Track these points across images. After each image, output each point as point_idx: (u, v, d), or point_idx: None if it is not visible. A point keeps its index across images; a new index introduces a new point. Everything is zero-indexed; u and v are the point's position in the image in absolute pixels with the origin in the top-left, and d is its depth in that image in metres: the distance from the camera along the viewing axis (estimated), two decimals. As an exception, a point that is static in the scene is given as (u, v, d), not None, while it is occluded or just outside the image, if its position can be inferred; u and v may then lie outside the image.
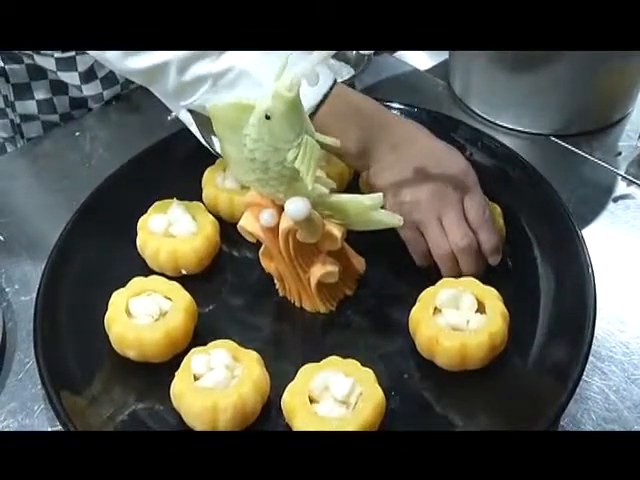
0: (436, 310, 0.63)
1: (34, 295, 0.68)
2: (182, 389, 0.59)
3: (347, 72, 0.96)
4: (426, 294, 0.64)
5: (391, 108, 0.84)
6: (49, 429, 0.63)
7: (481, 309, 0.62)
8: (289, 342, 0.68)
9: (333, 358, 0.61)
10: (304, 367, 0.60)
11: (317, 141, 0.56)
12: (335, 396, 0.57)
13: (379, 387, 0.58)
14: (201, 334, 0.66)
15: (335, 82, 0.68)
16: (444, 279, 0.66)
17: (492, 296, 0.63)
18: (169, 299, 0.65)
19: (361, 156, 0.68)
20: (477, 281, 0.64)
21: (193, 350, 0.62)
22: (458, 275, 0.67)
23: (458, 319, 0.61)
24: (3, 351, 0.69)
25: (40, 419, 0.65)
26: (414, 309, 0.64)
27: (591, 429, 0.61)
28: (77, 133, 0.94)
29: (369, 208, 0.61)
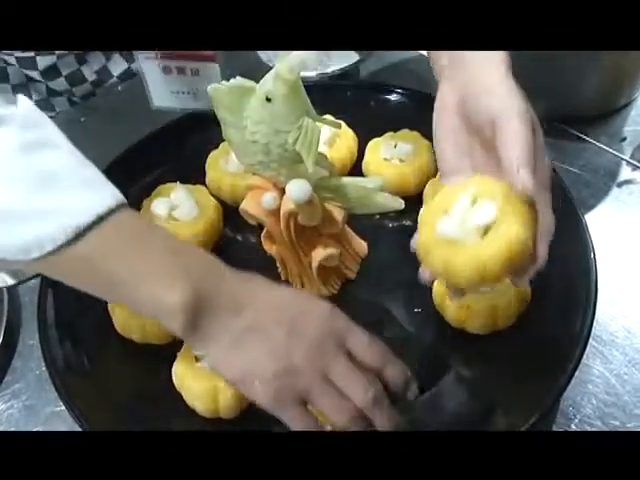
0: None
1: (39, 278, 0.69)
2: (184, 370, 0.60)
3: (352, 58, 0.96)
4: None
5: (395, 93, 0.84)
6: (52, 409, 0.64)
7: None
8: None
9: None
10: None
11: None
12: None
13: None
14: (203, 316, 0.66)
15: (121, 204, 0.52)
16: None
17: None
18: (171, 282, 0.66)
19: (190, 318, 0.51)
20: None
21: (195, 332, 0.62)
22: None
23: None
24: (8, 333, 0.70)
25: (44, 400, 0.66)
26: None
27: (591, 412, 0.61)
28: (82, 119, 0.94)
29: (370, 191, 0.61)
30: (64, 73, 0.93)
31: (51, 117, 0.98)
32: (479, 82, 0.57)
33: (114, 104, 0.96)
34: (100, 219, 0.50)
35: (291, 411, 0.52)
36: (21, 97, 0.55)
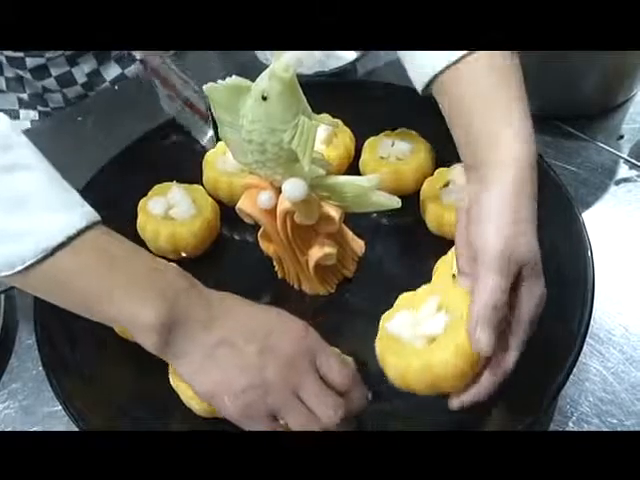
0: None
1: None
2: (180, 370, 0.60)
3: (349, 56, 0.96)
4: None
5: (393, 91, 0.84)
6: (49, 409, 0.64)
7: None
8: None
9: None
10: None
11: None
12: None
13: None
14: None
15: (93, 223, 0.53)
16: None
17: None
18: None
19: (163, 334, 0.52)
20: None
21: (191, 331, 0.62)
22: None
23: None
24: (5, 333, 0.70)
25: (41, 400, 0.66)
26: None
27: (588, 410, 0.61)
28: (79, 118, 0.94)
29: (367, 190, 0.61)
30: (54, 74, 0.94)
31: (46, 113, 0.99)
32: (483, 202, 0.54)
33: (111, 103, 0.96)
34: (70, 239, 0.51)
35: (260, 426, 0.53)
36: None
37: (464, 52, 0.57)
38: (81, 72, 0.95)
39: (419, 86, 0.63)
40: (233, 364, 0.53)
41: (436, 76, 0.60)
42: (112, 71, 0.98)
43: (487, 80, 0.58)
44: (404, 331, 0.55)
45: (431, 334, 0.54)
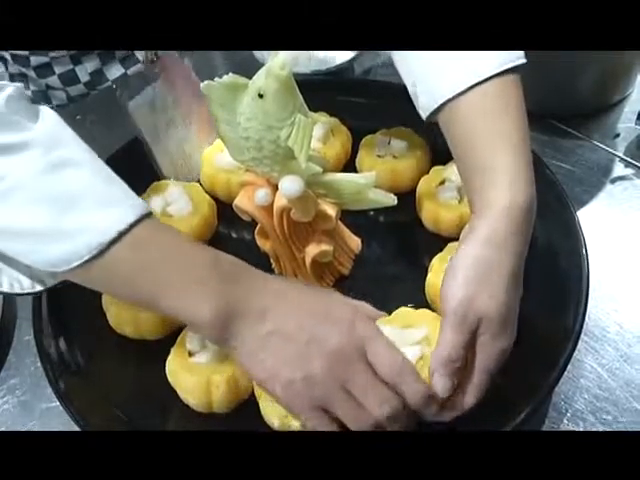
0: None
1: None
2: (177, 365, 0.60)
3: (346, 55, 0.96)
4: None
5: (389, 89, 0.84)
6: (47, 405, 0.64)
7: None
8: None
9: None
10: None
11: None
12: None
13: None
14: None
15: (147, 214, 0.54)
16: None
17: None
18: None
19: (220, 327, 0.53)
20: None
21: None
22: None
23: None
24: (4, 329, 0.70)
25: (39, 396, 0.66)
26: None
27: (583, 407, 0.61)
28: (78, 116, 0.94)
29: (363, 187, 0.61)
30: (57, 72, 0.94)
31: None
32: (459, 251, 0.55)
33: (109, 102, 0.96)
34: (122, 234, 0.52)
35: (308, 416, 0.53)
36: (44, 110, 0.56)
37: (472, 82, 0.56)
38: (84, 71, 0.96)
39: (424, 112, 0.61)
40: (282, 355, 0.53)
41: (444, 104, 0.58)
42: (115, 71, 0.98)
43: (490, 115, 0.57)
44: None
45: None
